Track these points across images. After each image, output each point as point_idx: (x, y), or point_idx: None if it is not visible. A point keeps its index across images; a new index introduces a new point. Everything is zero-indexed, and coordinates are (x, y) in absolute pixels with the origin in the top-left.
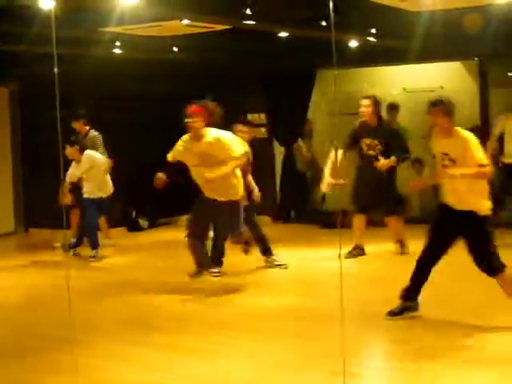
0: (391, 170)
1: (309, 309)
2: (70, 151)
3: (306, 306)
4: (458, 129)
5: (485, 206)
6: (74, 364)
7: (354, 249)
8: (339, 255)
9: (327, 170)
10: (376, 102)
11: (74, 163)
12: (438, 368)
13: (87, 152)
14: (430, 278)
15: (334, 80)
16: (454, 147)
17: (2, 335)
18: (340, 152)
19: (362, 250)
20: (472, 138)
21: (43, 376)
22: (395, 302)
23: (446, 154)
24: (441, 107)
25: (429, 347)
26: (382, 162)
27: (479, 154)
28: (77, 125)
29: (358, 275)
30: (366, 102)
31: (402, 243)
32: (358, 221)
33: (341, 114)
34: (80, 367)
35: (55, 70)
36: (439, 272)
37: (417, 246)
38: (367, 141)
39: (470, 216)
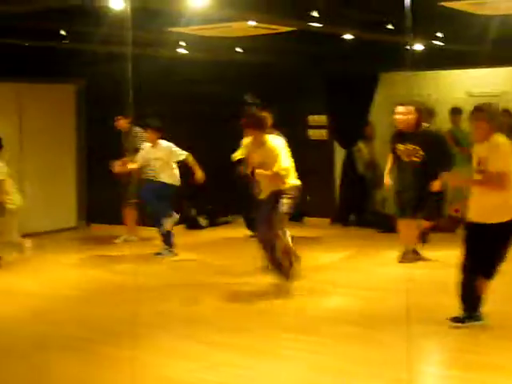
0: (428, 175)
1: (371, 314)
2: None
3: (369, 312)
4: (497, 134)
5: None
6: (134, 359)
7: (407, 253)
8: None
9: (386, 171)
10: (415, 110)
11: (147, 148)
12: (502, 380)
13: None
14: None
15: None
16: (485, 151)
17: (63, 327)
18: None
19: (417, 253)
20: (503, 144)
21: (102, 370)
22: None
23: (481, 158)
24: (484, 113)
25: (492, 357)
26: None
27: (499, 162)
28: (122, 121)
29: (420, 280)
30: (401, 109)
31: (415, 251)
32: (401, 224)
33: None
34: (139, 362)
35: (129, 68)
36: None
37: None
38: (401, 147)
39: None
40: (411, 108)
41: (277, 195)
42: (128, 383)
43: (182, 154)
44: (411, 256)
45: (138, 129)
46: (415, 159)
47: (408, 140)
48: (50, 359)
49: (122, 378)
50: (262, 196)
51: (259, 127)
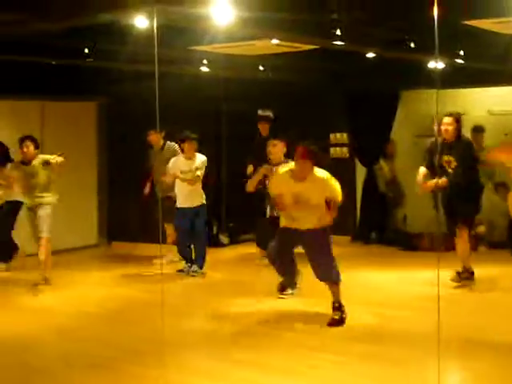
0: (468, 183)
1: (391, 333)
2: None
3: (388, 330)
4: None
5: None
6: (159, 378)
7: (462, 272)
8: (438, 279)
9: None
10: (458, 120)
11: (182, 159)
12: None
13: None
14: None
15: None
16: None
17: (88, 346)
18: (422, 170)
19: (471, 273)
20: None
21: None
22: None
23: None
24: None
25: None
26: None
27: None
28: (155, 136)
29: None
30: (448, 120)
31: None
32: (458, 242)
33: (424, 135)
34: (163, 381)
35: (156, 86)
36: None
37: None
38: (446, 157)
39: None
40: (454, 118)
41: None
42: None
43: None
44: (467, 275)
45: (170, 143)
46: (451, 170)
47: (450, 150)
48: (76, 377)
49: None
50: (301, 226)
51: (315, 160)
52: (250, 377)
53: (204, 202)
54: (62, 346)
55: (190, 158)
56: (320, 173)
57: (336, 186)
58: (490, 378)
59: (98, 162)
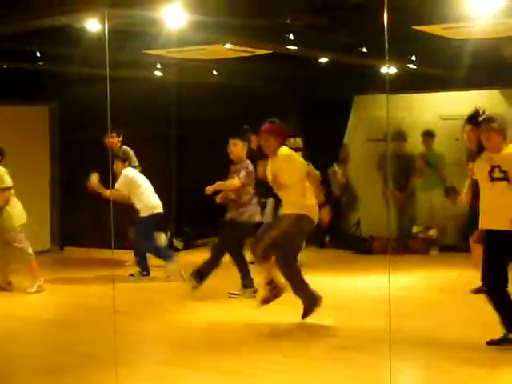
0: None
1: (352, 335)
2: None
3: (349, 333)
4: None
5: None
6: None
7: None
8: (389, 281)
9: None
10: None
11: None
12: None
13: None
14: None
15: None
16: (506, 160)
17: (43, 352)
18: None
19: None
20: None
21: None
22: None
23: (497, 166)
24: (496, 123)
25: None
26: None
27: None
28: (110, 140)
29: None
30: (468, 127)
31: None
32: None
33: (376, 139)
34: None
35: (107, 90)
36: None
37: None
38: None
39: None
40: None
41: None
42: None
43: None
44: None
45: (126, 147)
46: None
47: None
48: (32, 383)
49: None
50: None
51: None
52: (206, 382)
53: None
54: (16, 352)
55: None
56: (285, 150)
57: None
58: (440, 379)
59: (50, 166)
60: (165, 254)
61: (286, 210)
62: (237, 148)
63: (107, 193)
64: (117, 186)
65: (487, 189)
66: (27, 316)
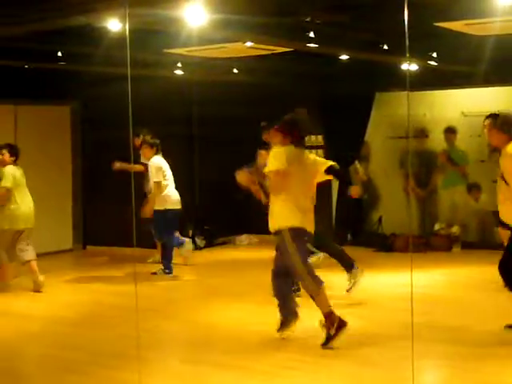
0: None
1: (371, 333)
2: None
3: (368, 331)
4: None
5: None
6: (139, 382)
7: None
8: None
9: None
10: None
11: None
12: None
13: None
14: None
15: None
16: (502, 157)
17: (64, 351)
18: None
19: None
20: None
21: None
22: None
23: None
24: (500, 120)
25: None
26: None
27: None
28: (138, 141)
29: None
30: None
31: None
32: None
33: (398, 137)
34: None
35: (129, 90)
36: None
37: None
38: None
39: None
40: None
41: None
42: None
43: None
44: None
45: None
46: None
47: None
48: (55, 382)
49: None
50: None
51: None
52: (228, 380)
53: (156, 208)
54: (38, 351)
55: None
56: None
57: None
58: (464, 377)
59: (72, 165)
60: (177, 241)
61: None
62: (262, 158)
63: (136, 167)
64: (154, 178)
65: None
66: (45, 316)
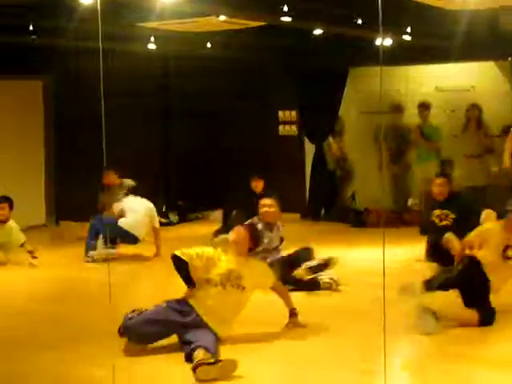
0: None
1: (346, 307)
2: None
3: (343, 304)
4: None
5: None
6: (111, 357)
7: None
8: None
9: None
10: (448, 182)
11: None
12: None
13: None
14: None
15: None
16: None
17: (40, 327)
18: None
19: None
20: None
21: (79, 368)
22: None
23: None
24: None
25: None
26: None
27: None
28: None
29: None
30: (439, 181)
31: None
32: None
33: (372, 112)
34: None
35: (100, 63)
36: None
37: None
38: (437, 212)
39: None
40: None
41: None
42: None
43: None
44: None
45: (129, 181)
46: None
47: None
48: (30, 359)
49: (99, 376)
50: None
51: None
52: None
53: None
54: (13, 328)
55: None
56: None
57: None
58: (430, 351)
59: (45, 140)
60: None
61: None
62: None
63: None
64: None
65: None
66: (19, 292)
